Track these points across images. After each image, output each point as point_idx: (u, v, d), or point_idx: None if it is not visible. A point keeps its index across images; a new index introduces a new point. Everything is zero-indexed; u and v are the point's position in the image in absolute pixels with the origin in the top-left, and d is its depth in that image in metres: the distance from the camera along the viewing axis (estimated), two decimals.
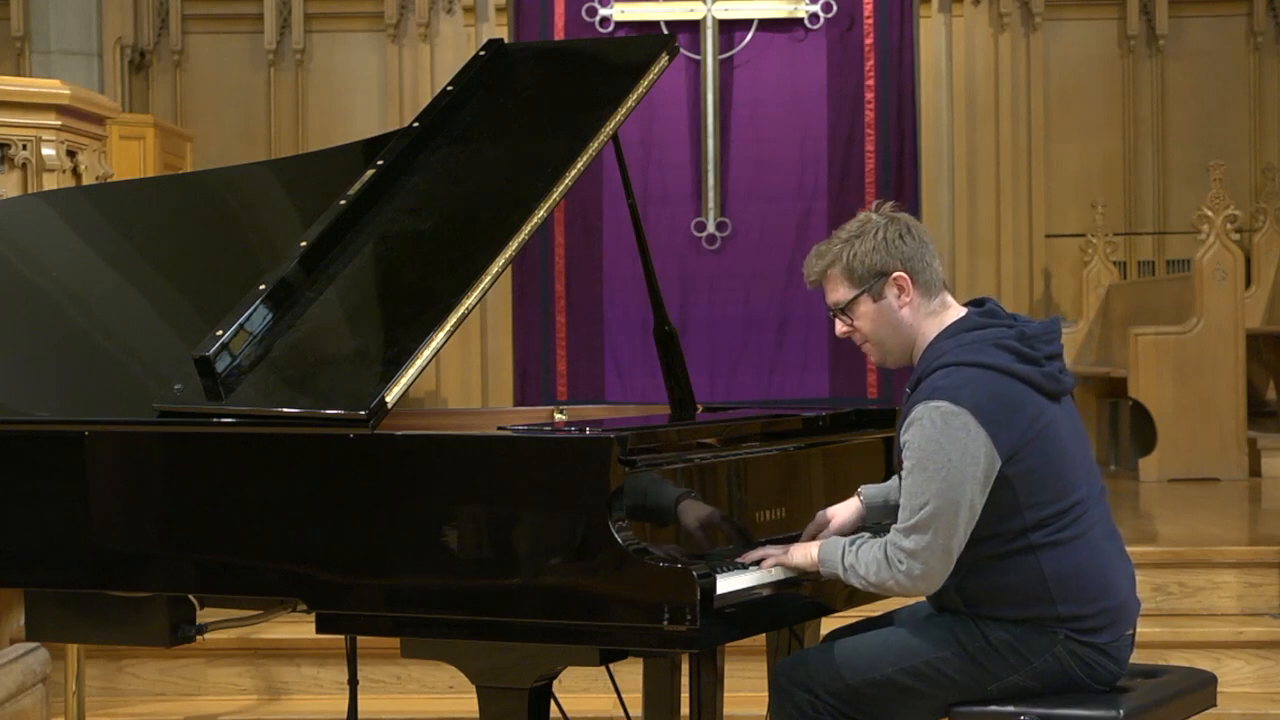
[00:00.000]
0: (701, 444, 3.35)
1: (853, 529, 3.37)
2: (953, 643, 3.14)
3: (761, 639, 3.78)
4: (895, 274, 3.16)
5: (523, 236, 3.39)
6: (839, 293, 3.22)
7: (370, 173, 3.61)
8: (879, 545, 3.10)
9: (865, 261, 3.17)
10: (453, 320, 3.24)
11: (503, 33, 10.17)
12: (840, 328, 3.26)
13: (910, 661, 3.15)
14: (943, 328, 3.17)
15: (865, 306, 3.20)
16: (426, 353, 3.19)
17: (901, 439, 3.10)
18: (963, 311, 3.21)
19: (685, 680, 3.41)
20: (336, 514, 3.14)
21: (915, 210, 10.05)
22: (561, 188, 3.48)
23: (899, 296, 3.17)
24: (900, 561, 3.05)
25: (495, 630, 3.02)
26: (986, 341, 3.11)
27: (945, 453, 3.01)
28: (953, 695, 3.15)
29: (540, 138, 3.71)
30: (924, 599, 3.31)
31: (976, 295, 3.35)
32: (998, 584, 3.11)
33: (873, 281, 3.17)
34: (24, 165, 4.90)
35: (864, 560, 3.10)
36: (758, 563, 3.18)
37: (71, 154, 5.02)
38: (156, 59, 10.51)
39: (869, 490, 3.45)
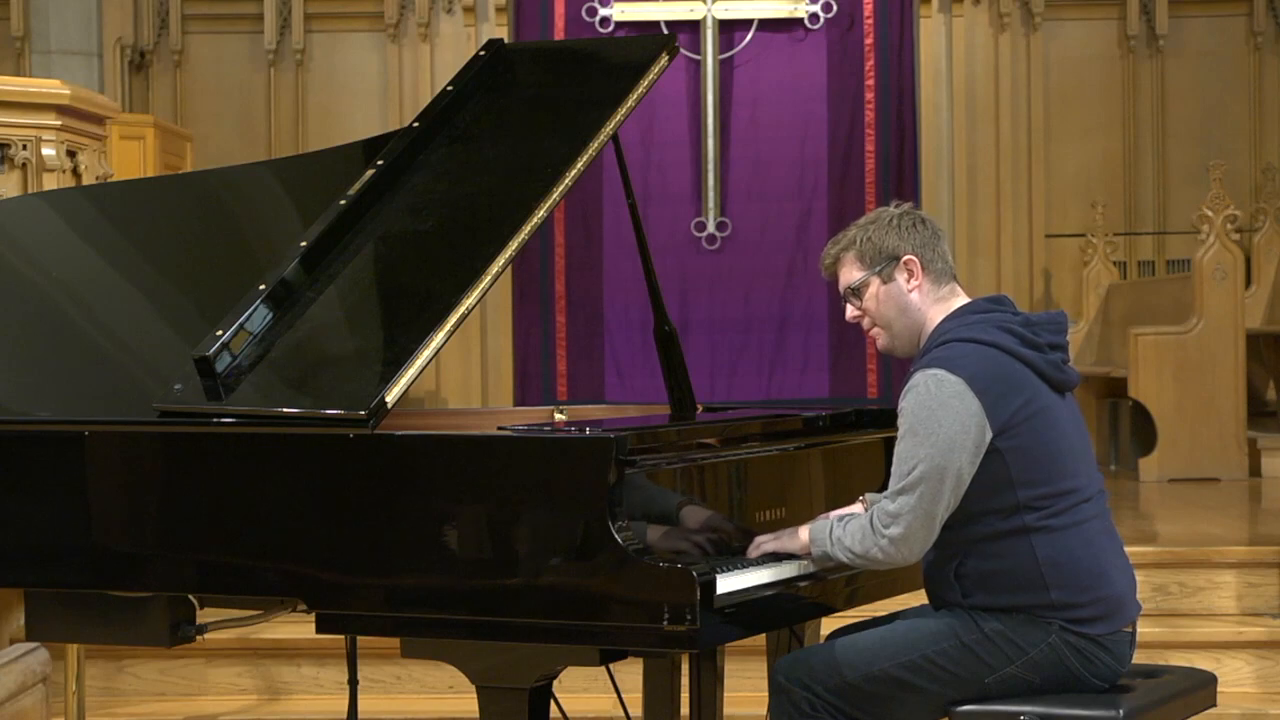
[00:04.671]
0: (701, 444, 3.35)
1: None
2: (949, 635, 3.16)
3: (761, 639, 3.78)
4: (905, 258, 3.25)
5: (523, 236, 3.39)
6: (851, 275, 3.30)
7: (370, 173, 3.61)
8: (866, 515, 3.16)
9: (877, 244, 3.26)
10: (453, 320, 3.24)
11: (503, 33, 10.16)
12: (851, 311, 3.33)
13: (908, 656, 3.17)
14: (950, 312, 3.24)
15: (875, 288, 3.27)
16: (426, 353, 3.19)
17: (899, 406, 3.17)
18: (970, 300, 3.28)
19: (685, 680, 3.41)
20: (336, 514, 3.14)
21: None
22: (561, 188, 3.48)
23: (908, 280, 3.25)
24: (884, 525, 3.11)
25: (495, 630, 3.02)
26: (989, 323, 3.18)
27: (937, 419, 3.07)
28: (950, 690, 3.16)
29: (540, 138, 3.71)
30: (927, 601, 3.32)
31: (977, 295, 3.39)
32: (992, 568, 3.14)
33: (884, 264, 3.26)
34: (24, 165, 4.90)
35: (850, 531, 3.16)
36: (758, 559, 3.21)
37: (71, 154, 5.01)
38: (156, 59, 10.51)
39: (874, 497, 3.46)
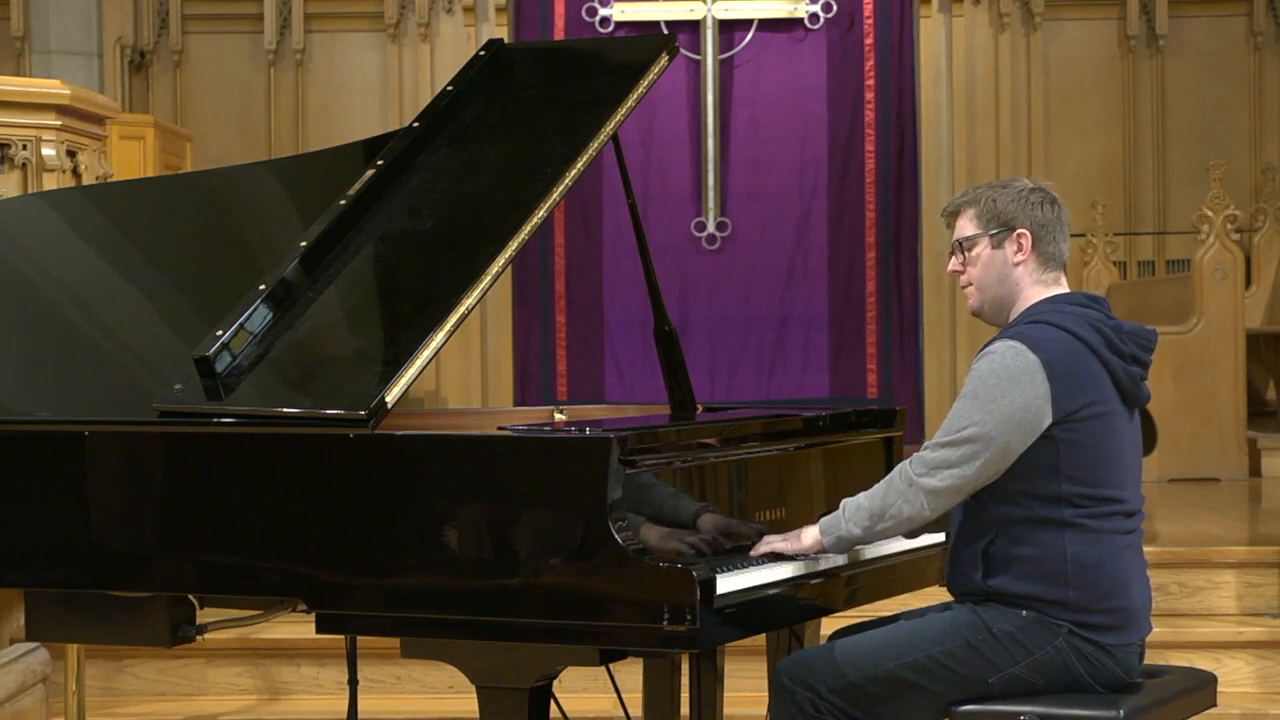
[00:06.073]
0: (701, 444, 3.35)
1: None
2: (954, 634, 3.17)
3: (761, 639, 3.78)
4: (1020, 230, 3.26)
5: (523, 236, 3.39)
6: (965, 229, 3.32)
7: (370, 173, 3.61)
8: (888, 476, 3.21)
9: (999, 208, 3.28)
10: (453, 320, 3.24)
11: (503, 33, 10.17)
12: (953, 264, 3.35)
13: (912, 656, 3.17)
14: (1048, 295, 3.26)
15: (982, 250, 3.29)
16: (426, 353, 3.19)
17: (972, 365, 3.19)
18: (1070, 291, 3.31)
19: (685, 680, 3.41)
20: (336, 514, 3.13)
21: (915, 210, 10.06)
22: (561, 188, 3.48)
23: (1016, 253, 3.26)
24: (919, 474, 3.14)
25: (495, 630, 3.02)
26: (1082, 318, 3.20)
27: (1003, 390, 3.10)
28: (954, 690, 3.16)
29: (540, 138, 3.71)
30: (929, 603, 3.32)
31: None
32: (1020, 554, 3.15)
33: (998, 229, 3.27)
34: (24, 165, 4.90)
35: (865, 494, 3.20)
36: (765, 556, 3.22)
37: (71, 154, 5.02)
38: (156, 59, 10.52)
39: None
